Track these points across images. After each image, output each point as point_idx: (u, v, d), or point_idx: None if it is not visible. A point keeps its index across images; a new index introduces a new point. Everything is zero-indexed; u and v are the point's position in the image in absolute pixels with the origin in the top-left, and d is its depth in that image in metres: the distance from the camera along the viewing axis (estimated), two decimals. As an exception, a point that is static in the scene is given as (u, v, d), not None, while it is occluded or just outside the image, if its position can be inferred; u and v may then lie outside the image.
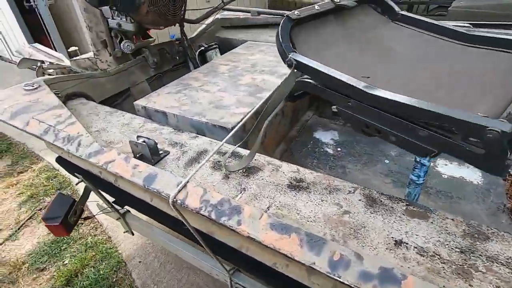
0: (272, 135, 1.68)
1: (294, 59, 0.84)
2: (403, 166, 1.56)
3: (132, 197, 1.10)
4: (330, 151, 1.71)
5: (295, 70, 0.86)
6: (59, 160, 1.45)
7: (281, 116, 1.70)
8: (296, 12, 0.93)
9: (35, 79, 1.45)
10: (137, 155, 1.01)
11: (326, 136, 1.84)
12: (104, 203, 1.55)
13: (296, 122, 1.96)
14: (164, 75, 2.10)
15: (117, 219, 1.65)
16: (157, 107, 1.39)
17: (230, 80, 1.62)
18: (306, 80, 0.88)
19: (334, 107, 1.88)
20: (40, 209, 2.55)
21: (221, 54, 2.39)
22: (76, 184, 1.41)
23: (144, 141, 1.01)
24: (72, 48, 2.51)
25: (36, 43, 2.94)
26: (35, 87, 1.35)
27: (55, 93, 1.35)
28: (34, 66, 2.46)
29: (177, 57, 2.17)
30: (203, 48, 2.30)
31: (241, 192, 0.89)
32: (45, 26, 4.64)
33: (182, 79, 1.68)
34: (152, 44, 2.09)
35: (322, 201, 0.85)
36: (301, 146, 1.74)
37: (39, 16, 4.55)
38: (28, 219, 2.47)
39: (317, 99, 2.18)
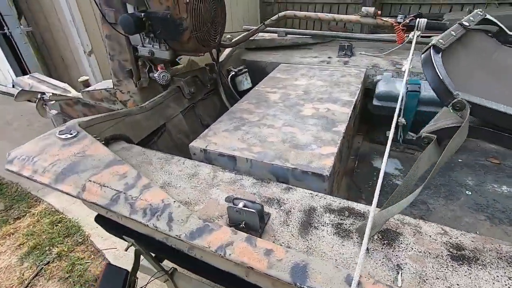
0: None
1: (467, 101, 0.66)
2: (489, 197, 1.41)
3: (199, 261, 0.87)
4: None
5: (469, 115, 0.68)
6: (100, 219, 1.19)
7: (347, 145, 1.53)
8: (439, 40, 0.77)
9: (68, 123, 1.19)
10: (240, 224, 0.79)
11: (387, 166, 1.68)
12: (153, 265, 1.29)
13: (350, 149, 1.79)
14: (197, 104, 1.88)
15: (164, 281, 1.38)
16: (222, 150, 1.17)
17: (290, 111, 1.44)
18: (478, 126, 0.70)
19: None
20: (48, 263, 2.19)
21: (250, 78, 2.21)
22: (126, 250, 1.15)
23: (245, 205, 0.79)
24: (82, 78, 2.25)
25: (36, 73, 2.65)
26: (73, 134, 1.10)
27: (96, 139, 1.11)
28: (34, 99, 2.18)
29: (208, 85, 1.96)
30: (233, 73, 2.11)
31: (399, 273, 0.69)
32: (22, 56, 4.24)
33: (233, 113, 1.47)
34: (183, 72, 1.88)
35: (510, 279, 0.66)
36: (365, 179, 1.57)
37: (15, 45, 4.14)
38: (34, 276, 2.11)
39: (365, 122, 2.04)
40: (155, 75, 1.63)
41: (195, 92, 1.77)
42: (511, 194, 1.43)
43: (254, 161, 1.11)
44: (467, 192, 1.45)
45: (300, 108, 1.46)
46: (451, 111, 0.73)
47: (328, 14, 1.59)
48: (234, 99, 2.14)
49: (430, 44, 0.76)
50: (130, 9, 1.51)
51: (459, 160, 1.68)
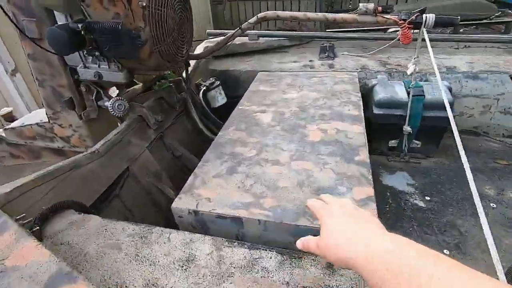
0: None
1: None
2: (516, 208, 1.28)
3: None
4: (421, 203, 1.35)
5: None
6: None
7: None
8: None
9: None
10: None
11: (398, 182, 1.48)
12: None
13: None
14: (165, 133, 1.51)
15: None
16: (221, 210, 0.84)
17: (292, 136, 1.15)
18: None
19: (393, 141, 1.46)
20: None
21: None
22: None
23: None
24: (3, 111, 1.73)
25: None
26: (-17, 227, 0.68)
27: (20, 226, 0.71)
28: None
29: (177, 106, 1.59)
30: (204, 87, 1.76)
31: None
32: None
33: (220, 146, 1.14)
34: (141, 94, 1.49)
35: None
36: (381, 202, 1.35)
37: None
38: None
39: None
40: (107, 104, 1.22)
41: (162, 118, 1.39)
42: (534, 200, 1.31)
43: (271, 223, 0.81)
44: (491, 204, 1.31)
45: (303, 131, 1.18)
46: None
47: (318, 13, 1.33)
48: (209, 118, 1.80)
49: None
50: (61, 18, 1.09)
51: (469, 165, 1.54)
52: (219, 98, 1.84)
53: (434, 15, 1.20)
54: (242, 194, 0.90)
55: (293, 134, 1.17)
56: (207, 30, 2.15)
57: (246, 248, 0.71)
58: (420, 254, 0.38)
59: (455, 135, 0.94)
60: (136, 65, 1.15)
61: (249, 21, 1.44)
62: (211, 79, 1.86)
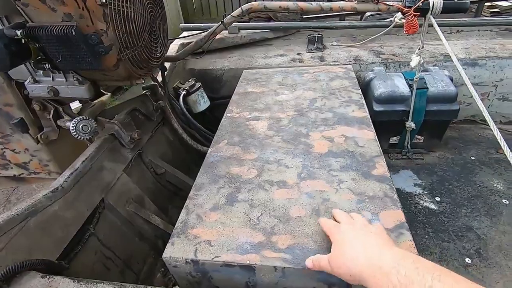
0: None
1: None
2: (530, 203, 1.22)
3: None
4: (432, 205, 1.26)
5: None
6: None
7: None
8: None
9: None
10: None
11: (404, 182, 1.39)
12: None
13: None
14: (143, 149, 1.30)
15: None
16: (226, 256, 0.68)
17: (295, 148, 1.00)
18: None
19: (395, 138, 1.38)
20: None
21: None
22: None
23: None
24: None
25: None
26: None
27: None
28: None
29: (155, 117, 1.38)
30: (184, 91, 1.56)
31: None
32: None
33: (212, 167, 0.97)
34: (113, 106, 1.27)
35: None
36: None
37: None
38: None
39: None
40: (68, 124, 1.00)
41: (139, 135, 1.18)
42: (544, 192, 1.26)
43: (290, 270, 0.66)
44: (504, 201, 1.24)
45: (306, 141, 1.03)
46: None
47: (312, 2, 1.16)
48: (192, 126, 1.60)
49: None
50: (-7, 23, 0.85)
51: (472, 158, 1.48)
52: (202, 102, 1.64)
53: (441, 0, 1.07)
54: (250, 231, 0.74)
55: (296, 146, 1.01)
56: (180, 25, 1.91)
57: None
58: (423, 269, 0.40)
59: (495, 134, 0.83)
60: (101, 76, 0.94)
61: (232, 14, 1.24)
62: (190, 80, 1.65)
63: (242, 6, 1.22)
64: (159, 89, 1.41)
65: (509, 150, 0.80)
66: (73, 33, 0.73)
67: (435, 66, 1.55)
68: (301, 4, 1.16)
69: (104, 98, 1.27)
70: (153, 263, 1.21)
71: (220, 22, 1.27)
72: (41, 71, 0.95)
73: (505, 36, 1.73)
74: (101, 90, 1.23)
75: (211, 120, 1.86)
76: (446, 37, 1.79)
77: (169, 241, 0.74)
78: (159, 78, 1.43)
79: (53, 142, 1.22)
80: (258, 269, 0.67)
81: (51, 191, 0.86)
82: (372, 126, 1.07)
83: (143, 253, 1.18)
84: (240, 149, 1.03)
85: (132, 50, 0.90)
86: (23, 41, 0.77)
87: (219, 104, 1.82)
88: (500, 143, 0.82)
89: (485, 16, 3.82)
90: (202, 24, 1.79)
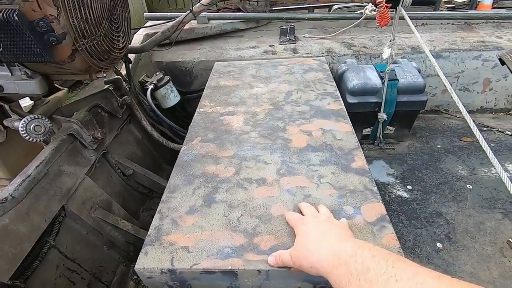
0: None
1: None
2: (489, 187, 1.30)
3: None
4: (404, 194, 1.30)
5: None
6: None
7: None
8: None
9: None
10: None
11: (378, 173, 1.42)
12: None
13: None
14: (109, 149, 1.19)
15: None
16: (206, 264, 0.64)
17: (273, 144, 0.96)
18: None
19: (368, 129, 1.42)
20: None
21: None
22: None
23: None
24: None
25: None
26: None
27: None
28: None
29: (121, 113, 1.27)
30: (152, 86, 1.46)
31: None
32: None
33: (186, 166, 0.90)
34: (70, 102, 1.15)
35: None
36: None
37: None
38: None
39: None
40: (17, 125, 0.88)
41: (103, 134, 1.07)
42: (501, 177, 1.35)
43: (275, 272, 0.63)
44: (468, 186, 1.32)
45: (284, 135, 1.00)
46: None
47: (285, -9, 1.12)
48: (161, 123, 1.51)
49: None
50: None
51: (438, 147, 1.55)
52: (171, 96, 1.55)
53: (411, -8, 1.08)
54: (230, 234, 0.70)
55: (274, 141, 0.98)
56: (144, 14, 1.78)
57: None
58: (379, 257, 0.41)
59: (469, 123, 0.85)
60: (54, 69, 0.83)
61: (201, 2, 1.16)
62: (157, 74, 1.55)
63: (212, -7, 1.15)
64: (124, 83, 1.30)
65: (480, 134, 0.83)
66: (15, 18, 0.62)
67: (404, 58, 1.59)
68: (274, -7, 1.12)
69: (59, 94, 1.14)
70: (125, 271, 1.12)
71: (189, 11, 1.19)
72: (-21, 64, 0.82)
73: (465, 29, 1.83)
74: (56, 85, 1.10)
75: (181, 115, 1.77)
76: (411, 30, 1.85)
77: (142, 250, 0.68)
78: (123, 72, 1.31)
79: (1, 145, 1.08)
80: (241, 274, 0.64)
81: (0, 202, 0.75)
82: (348, 118, 1.07)
83: (113, 262, 1.09)
84: (215, 146, 0.97)
85: (90, 39, 0.80)
86: (-49, 27, 0.64)
87: (189, 99, 1.74)
88: (473, 129, 0.85)
89: (442, 10, 4.05)
90: (168, 14, 1.68)
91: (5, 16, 0.62)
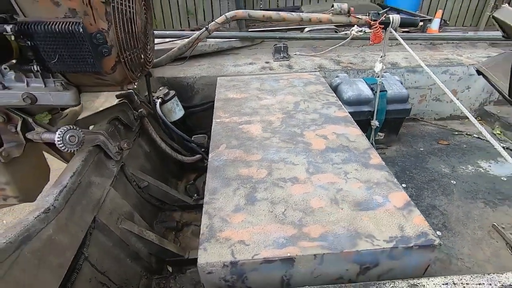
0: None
1: None
2: (469, 181, 1.49)
3: None
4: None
5: None
6: None
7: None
8: None
9: None
10: None
11: (375, 174, 1.56)
12: None
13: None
14: (126, 163, 1.20)
15: None
16: (266, 252, 0.69)
17: (295, 147, 1.05)
18: None
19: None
20: None
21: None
22: None
23: None
24: None
25: None
26: None
27: None
28: None
29: (134, 127, 1.28)
30: (160, 99, 1.49)
31: None
32: None
33: (220, 171, 0.95)
34: (83, 116, 1.15)
35: None
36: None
37: None
38: None
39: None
40: (46, 136, 0.87)
41: (129, 145, 1.09)
42: (477, 172, 1.56)
43: (329, 256, 0.69)
44: (452, 181, 1.50)
45: (303, 139, 1.09)
46: None
47: (293, 13, 1.25)
48: (172, 135, 1.53)
49: None
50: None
51: (421, 149, 1.74)
52: (177, 110, 1.59)
53: (398, 16, 1.27)
54: (280, 226, 0.76)
55: (295, 145, 1.07)
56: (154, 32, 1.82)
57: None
58: None
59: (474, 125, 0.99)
60: (93, 80, 0.86)
61: (216, 20, 1.25)
62: (161, 88, 1.59)
63: (226, 14, 1.24)
64: (135, 97, 1.32)
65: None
66: (80, 30, 0.66)
67: (386, 72, 1.80)
68: (283, 14, 1.24)
69: (76, 107, 1.14)
70: (147, 284, 1.11)
71: (205, 28, 1.27)
72: (12, 75, 0.82)
73: (431, 49, 2.12)
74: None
75: (182, 129, 1.80)
76: (389, 49, 2.10)
77: (200, 247, 0.71)
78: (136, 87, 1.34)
79: (13, 162, 1.04)
80: (298, 260, 0.69)
81: (42, 211, 0.74)
82: (356, 123, 1.20)
83: (137, 275, 1.07)
84: (242, 152, 1.04)
85: (131, 52, 0.84)
86: (9, 38, 0.66)
87: (191, 113, 1.78)
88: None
89: (399, 32, 4.56)
90: (176, 32, 1.74)
91: (70, 28, 0.66)
